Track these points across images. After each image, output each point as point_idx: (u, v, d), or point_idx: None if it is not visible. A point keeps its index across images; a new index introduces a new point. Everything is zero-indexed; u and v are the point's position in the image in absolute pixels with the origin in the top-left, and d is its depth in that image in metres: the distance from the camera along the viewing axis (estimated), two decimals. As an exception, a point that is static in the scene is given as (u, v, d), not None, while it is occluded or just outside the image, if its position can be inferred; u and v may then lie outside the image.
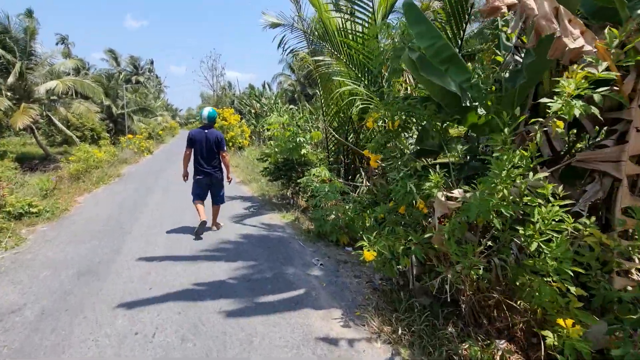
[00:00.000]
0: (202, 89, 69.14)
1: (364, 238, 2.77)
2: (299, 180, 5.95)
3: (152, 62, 43.04)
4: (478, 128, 3.01)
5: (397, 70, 3.68)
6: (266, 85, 34.19)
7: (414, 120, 3.15)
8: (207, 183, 4.91)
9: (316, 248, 4.50)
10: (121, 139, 17.84)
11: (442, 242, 2.47)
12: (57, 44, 40.12)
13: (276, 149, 6.11)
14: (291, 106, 33.88)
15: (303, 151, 5.95)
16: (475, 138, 3.51)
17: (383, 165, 3.48)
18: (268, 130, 6.44)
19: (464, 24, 3.91)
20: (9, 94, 17.44)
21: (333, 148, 7.18)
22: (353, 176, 7.48)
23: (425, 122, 3.08)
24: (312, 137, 5.64)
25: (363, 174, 7.08)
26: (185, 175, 5.11)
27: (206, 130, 4.75)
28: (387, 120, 3.44)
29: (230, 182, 5.30)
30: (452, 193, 2.51)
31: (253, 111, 32.07)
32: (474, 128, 3.05)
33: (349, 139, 7.22)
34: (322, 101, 7.70)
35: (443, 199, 2.54)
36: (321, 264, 3.91)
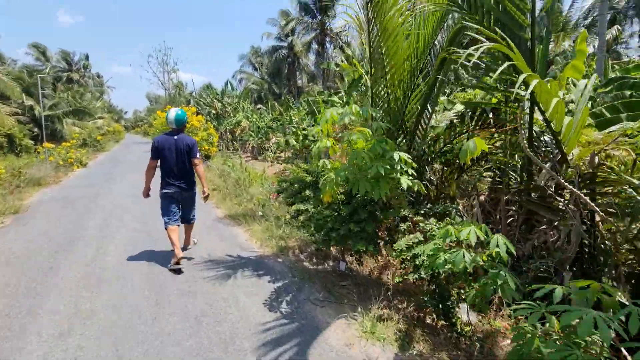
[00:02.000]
0: (149, 90, 61.76)
1: None
2: (404, 247, 2.63)
3: (87, 57, 36.84)
4: None
5: None
6: (229, 84, 29.90)
7: None
8: (178, 198, 3.96)
9: None
10: (39, 148, 13.14)
11: None
12: (-39, 31, 32.70)
13: (337, 177, 2.73)
14: (259, 106, 30.36)
15: (404, 182, 2.63)
16: None
17: None
18: (312, 138, 3.05)
19: None
20: None
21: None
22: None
23: None
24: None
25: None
26: (147, 192, 4.04)
27: (175, 137, 3.85)
28: None
29: (206, 198, 4.16)
30: None
31: (213, 112, 28.22)
32: None
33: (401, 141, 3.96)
34: (385, 72, 4.38)
35: None
36: None
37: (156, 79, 36.64)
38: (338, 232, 2.88)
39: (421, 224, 2.81)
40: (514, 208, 3.69)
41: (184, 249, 4.28)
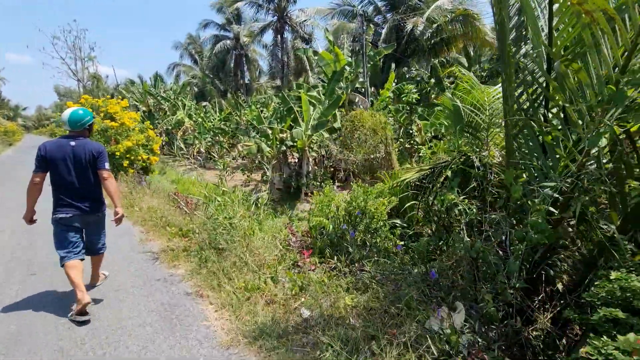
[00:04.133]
0: (58, 83, 51.25)
1: None
2: None
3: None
4: None
5: None
6: (158, 78, 24.46)
7: None
8: (80, 224, 2.99)
9: None
10: None
11: None
12: None
13: None
14: (204, 103, 25.68)
15: None
16: None
17: None
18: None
19: None
20: None
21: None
22: None
23: None
24: None
25: None
26: (30, 216, 2.92)
27: (73, 143, 2.90)
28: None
29: (118, 220, 2.97)
30: None
31: (144, 109, 23.53)
32: None
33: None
34: None
35: None
36: None
37: (65, 67, 29.04)
38: None
39: None
40: None
41: (92, 286, 3.23)
